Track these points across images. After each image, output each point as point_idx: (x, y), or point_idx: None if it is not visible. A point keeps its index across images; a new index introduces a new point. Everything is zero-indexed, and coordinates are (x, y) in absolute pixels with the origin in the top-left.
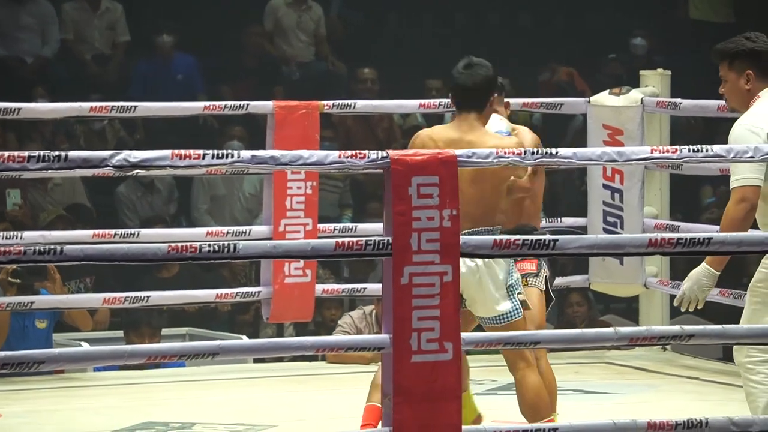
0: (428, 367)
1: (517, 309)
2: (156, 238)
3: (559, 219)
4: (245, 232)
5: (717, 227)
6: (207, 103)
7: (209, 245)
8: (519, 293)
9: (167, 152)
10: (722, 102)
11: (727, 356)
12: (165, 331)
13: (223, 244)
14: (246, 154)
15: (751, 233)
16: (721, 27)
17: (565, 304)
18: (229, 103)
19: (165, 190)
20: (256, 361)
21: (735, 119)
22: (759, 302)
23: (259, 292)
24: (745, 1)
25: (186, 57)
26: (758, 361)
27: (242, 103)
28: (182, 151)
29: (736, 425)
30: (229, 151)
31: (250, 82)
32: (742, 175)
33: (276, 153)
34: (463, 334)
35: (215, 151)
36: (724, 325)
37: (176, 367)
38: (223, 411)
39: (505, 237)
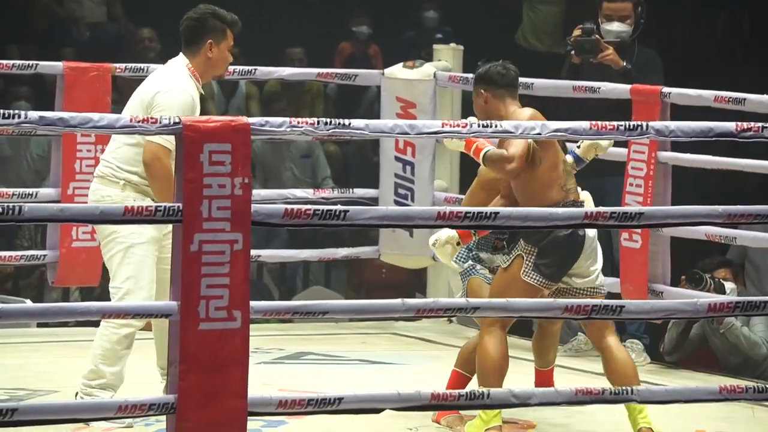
0: (215, 334)
1: None
2: None
3: (350, 190)
4: (32, 194)
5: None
6: None
7: None
8: None
9: None
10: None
11: (510, 329)
12: None
13: (8, 206)
14: (34, 114)
15: (536, 209)
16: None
17: None
18: (18, 62)
19: None
20: (39, 325)
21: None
22: None
23: (44, 255)
24: None
25: None
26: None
27: (31, 62)
28: None
29: (516, 397)
30: (17, 111)
31: (39, 43)
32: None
33: (65, 115)
34: (253, 303)
35: (1, 111)
36: (507, 299)
37: None
38: (4, 376)
39: (296, 207)
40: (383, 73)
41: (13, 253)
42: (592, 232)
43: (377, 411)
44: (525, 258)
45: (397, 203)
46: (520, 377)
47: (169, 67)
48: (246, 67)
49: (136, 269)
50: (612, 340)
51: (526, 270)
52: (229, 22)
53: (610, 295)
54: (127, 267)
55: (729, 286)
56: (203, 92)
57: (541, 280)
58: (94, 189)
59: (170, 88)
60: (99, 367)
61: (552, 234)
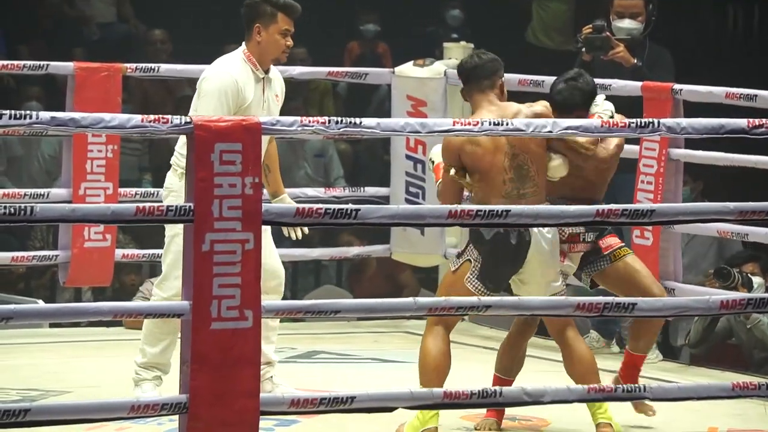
0: (227, 334)
1: None
2: None
3: (362, 188)
4: (43, 195)
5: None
6: (5, 62)
7: (5, 207)
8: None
9: None
10: (527, 77)
11: None
12: None
13: (20, 207)
14: (45, 115)
15: (546, 207)
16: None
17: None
18: (29, 62)
19: None
20: (52, 325)
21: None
22: None
23: (56, 255)
24: None
25: None
26: None
27: (42, 63)
28: None
29: (528, 395)
30: (28, 112)
31: (48, 43)
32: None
33: (77, 115)
34: (264, 302)
35: (13, 112)
36: (519, 297)
37: None
38: (17, 376)
39: (307, 206)
40: (393, 72)
41: (25, 254)
42: (545, 241)
43: (390, 410)
44: (472, 264)
45: (408, 202)
46: (532, 375)
47: (227, 54)
48: None
49: (174, 258)
50: (571, 333)
51: (470, 277)
52: (280, 5)
53: None
54: (168, 254)
55: (757, 281)
56: (263, 76)
57: (482, 289)
58: (167, 177)
59: (211, 74)
60: (143, 347)
61: (493, 239)
